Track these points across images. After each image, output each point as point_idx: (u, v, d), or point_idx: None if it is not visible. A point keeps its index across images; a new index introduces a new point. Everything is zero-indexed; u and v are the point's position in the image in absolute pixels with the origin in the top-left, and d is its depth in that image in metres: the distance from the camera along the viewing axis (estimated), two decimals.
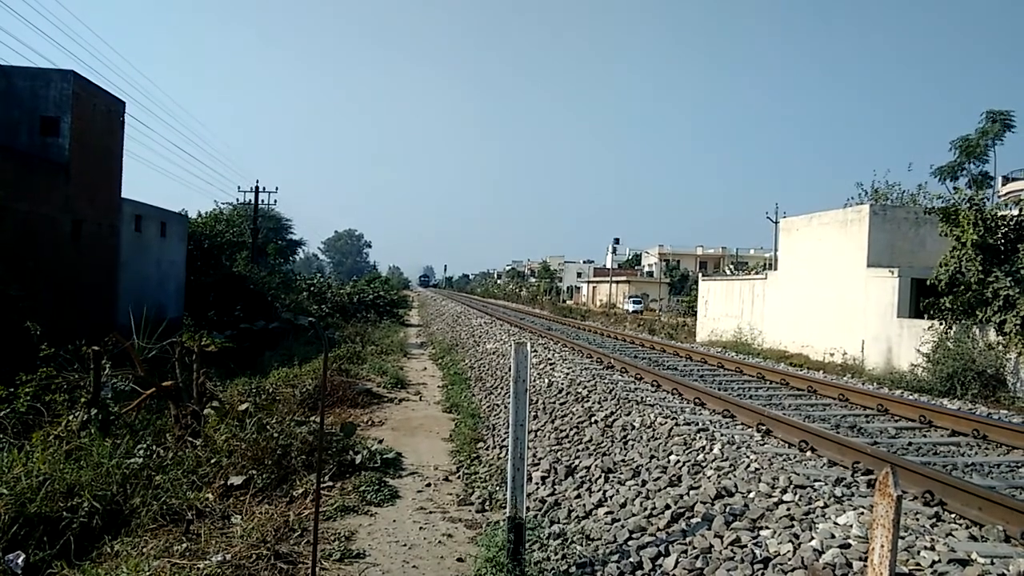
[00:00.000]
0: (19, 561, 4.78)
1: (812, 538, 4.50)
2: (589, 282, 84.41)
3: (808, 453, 7.04)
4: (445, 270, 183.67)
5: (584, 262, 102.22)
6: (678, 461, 6.59)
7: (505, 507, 5.21)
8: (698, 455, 6.64)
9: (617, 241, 74.80)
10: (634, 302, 58.92)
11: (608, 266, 78.42)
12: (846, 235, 18.60)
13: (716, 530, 5.02)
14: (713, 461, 6.37)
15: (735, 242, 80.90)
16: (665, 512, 5.55)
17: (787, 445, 7.40)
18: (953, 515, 5.29)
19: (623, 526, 5.53)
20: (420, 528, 6.21)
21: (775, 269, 23.60)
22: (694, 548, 4.88)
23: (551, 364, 13.11)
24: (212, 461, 6.78)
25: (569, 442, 8.31)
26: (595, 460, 7.30)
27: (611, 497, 6.27)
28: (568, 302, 75.36)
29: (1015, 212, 14.26)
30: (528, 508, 5.79)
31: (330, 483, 7.16)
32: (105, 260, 16.77)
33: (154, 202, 20.39)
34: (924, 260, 16.61)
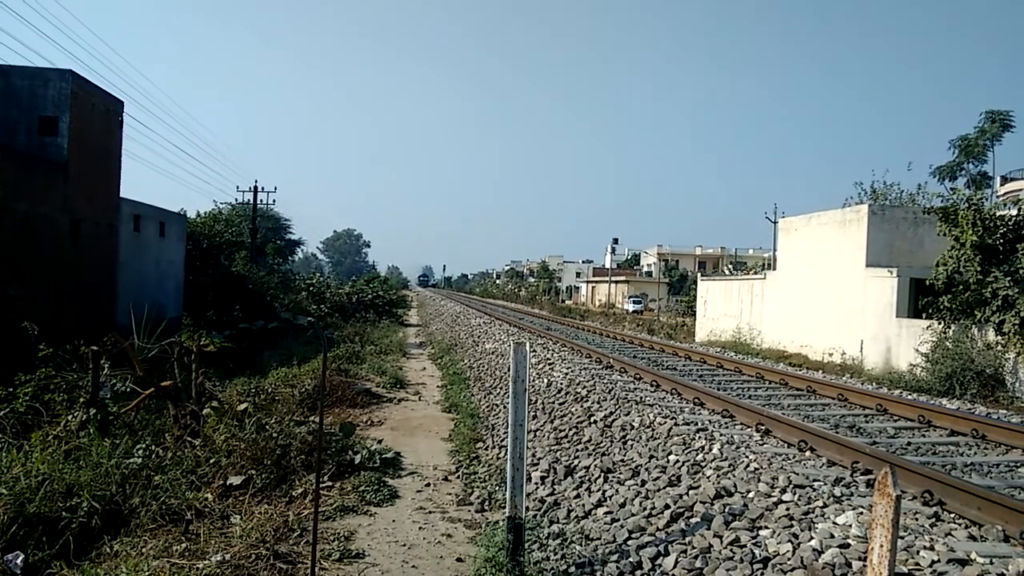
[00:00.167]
0: (18, 561, 4.77)
1: (811, 538, 4.50)
2: (588, 282, 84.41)
3: (807, 453, 7.05)
4: (444, 270, 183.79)
5: (583, 262, 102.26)
6: (677, 461, 6.59)
7: (504, 507, 5.21)
8: (697, 455, 6.64)
9: (616, 241, 74.81)
10: (634, 302, 58.79)
11: (607, 266, 78.44)
12: (845, 235, 18.61)
13: (715, 530, 5.02)
14: (712, 461, 6.37)
15: (734, 242, 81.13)
16: (664, 512, 5.55)
17: (786, 445, 7.40)
18: (952, 515, 5.30)
19: (622, 526, 5.53)
20: (419, 528, 6.21)
21: (774, 269, 23.61)
22: (693, 548, 4.88)
23: (550, 364, 13.11)
24: (211, 461, 6.77)
25: (568, 442, 8.31)
26: (594, 460, 7.30)
27: (610, 497, 6.27)
28: (567, 302, 75.37)
29: (1013, 212, 14.26)
30: (527, 508, 5.79)
31: (329, 483, 7.16)
32: (104, 260, 16.74)
33: (153, 202, 20.37)
34: (923, 260, 16.62)
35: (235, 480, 6.50)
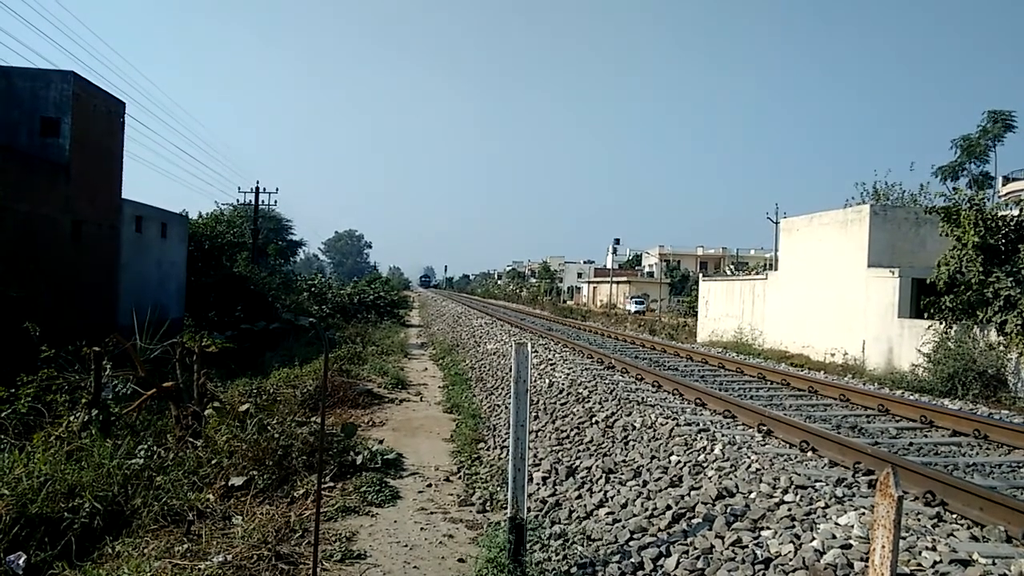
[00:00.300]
0: (20, 562, 4.78)
1: (813, 538, 4.50)
2: (589, 282, 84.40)
3: (809, 453, 7.04)
4: (445, 270, 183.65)
5: (584, 262, 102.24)
6: (679, 461, 6.59)
7: (506, 508, 5.21)
8: (699, 455, 6.64)
9: (617, 241, 74.87)
10: (636, 302, 58.62)
11: (608, 266, 78.44)
12: (846, 235, 18.59)
13: (717, 530, 5.02)
14: (714, 461, 6.37)
15: (735, 242, 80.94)
16: (666, 512, 5.54)
17: (788, 445, 7.39)
18: (954, 515, 5.29)
19: (624, 526, 5.53)
20: (421, 529, 6.21)
21: (775, 269, 23.60)
22: (695, 548, 4.88)
23: (552, 364, 13.10)
24: (213, 462, 6.78)
25: (570, 442, 8.30)
26: (596, 460, 7.29)
27: (612, 497, 6.27)
28: (568, 303, 75.36)
29: (1015, 212, 14.24)
30: (529, 509, 5.79)
31: (331, 484, 7.16)
32: (105, 261, 16.77)
33: (155, 203, 20.42)
34: (925, 260, 16.60)
35: (237, 481, 6.51)
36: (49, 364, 7.73)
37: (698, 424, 7.79)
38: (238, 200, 41.48)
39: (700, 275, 41.03)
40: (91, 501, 5.46)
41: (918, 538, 4.50)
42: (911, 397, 11.53)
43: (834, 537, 4.48)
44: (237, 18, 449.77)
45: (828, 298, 18.90)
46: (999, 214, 14.28)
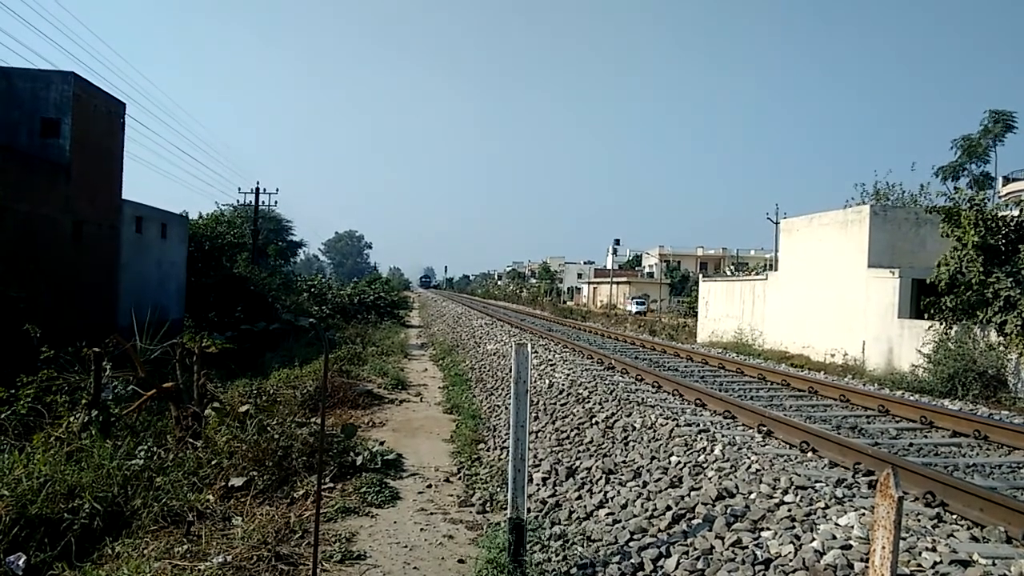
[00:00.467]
0: (20, 563, 4.78)
1: (813, 539, 4.50)
2: (590, 283, 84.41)
3: (809, 454, 7.04)
4: (446, 271, 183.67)
5: (584, 263, 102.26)
6: (679, 462, 6.59)
7: (506, 508, 5.21)
8: (699, 456, 6.64)
9: (617, 242, 74.89)
10: (637, 303, 58.53)
11: (608, 267, 78.44)
12: (846, 236, 18.60)
13: (717, 531, 5.02)
14: (714, 462, 6.37)
15: (735, 243, 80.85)
16: (666, 513, 5.54)
17: (788, 446, 7.39)
18: (954, 516, 5.29)
19: (624, 527, 5.52)
20: (421, 529, 6.21)
21: (776, 270, 23.60)
22: (695, 549, 4.88)
23: (552, 365, 13.10)
24: (213, 463, 6.78)
25: (570, 443, 8.30)
26: (596, 461, 7.29)
27: (612, 498, 6.26)
28: (569, 303, 75.37)
29: (1016, 212, 14.24)
30: (529, 509, 5.79)
31: (331, 484, 7.16)
32: (106, 261, 16.77)
33: (155, 203, 20.42)
34: (925, 260, 16.60)
35: (237, 482, 6.51)
36: (49, 365, 7.73)
37: (698, 425, 7.79)
38: (238, 200, 41.55)
39: (700, 275, 41.02)
40: (91, 502, 5.46)
41: (918, 539, 4.49)
42: (911, 398, 11.53)
43: (834, 538, 4.47)
44: (237, 18, 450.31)
45: (828, 298, 18.90)
46: (999, 214, 14.28)
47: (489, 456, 8.77)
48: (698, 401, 9.63)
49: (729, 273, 51.21)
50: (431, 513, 6.68)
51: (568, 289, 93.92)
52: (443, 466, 8.43)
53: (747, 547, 4.68)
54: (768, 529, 4.88)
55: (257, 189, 40.46)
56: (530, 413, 6.30)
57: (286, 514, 6.04)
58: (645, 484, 6.31)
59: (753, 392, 11.63)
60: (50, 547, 5.01)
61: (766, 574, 4.32)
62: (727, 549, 4.74)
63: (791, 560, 4.34)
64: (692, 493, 5.82)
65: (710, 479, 6.00)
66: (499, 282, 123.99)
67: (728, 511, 5.25)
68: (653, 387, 11.06)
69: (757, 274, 29.30)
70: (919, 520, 5.07)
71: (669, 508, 5.62)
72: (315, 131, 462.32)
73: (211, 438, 7.21)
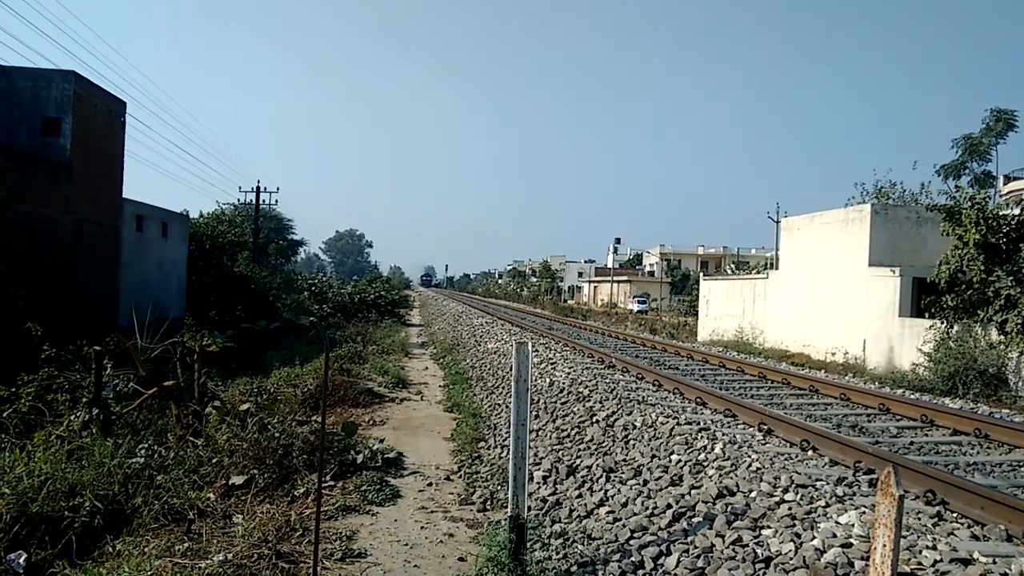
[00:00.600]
0: (21, 561, 4.78)
1: (814, 537, 4.50)
2: (590, 282, 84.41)
3: (810, 452, 7.03)
4: (446, 270, 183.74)
5: (585, 262, 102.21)
6: (679, 460, 6.59)
7: (506, 506, 5.21)
8: (700, 454, 6.64)
9: (618, 241, 74.84)
10: (639, 302, 58.45)
11: (609, 266, 78.42)
12: (847, 234, 18.59)
13: (718, 529, 5.02)
14: (715, 460, 6.37)
15: (736, 241, 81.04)
16: (667, 511, 5.54)
17: (789, 444, 7.39)
18: (955, 514, 5.29)
19: (625, 525, 5.53)
20: (422, 527, 6.21)
21: (776, 268, 23.59)
22: (696, 547, 4.88)
23: (552, 364, 13.11)
24: (214, 461, 6.78)
25: (571, 441, 8.30)
26: (596, 459, 7.30)
27: (612, 496, 6.27)
28: (569, 302, 75.33)
29: (1017, 211, 14.23)
30: (530, 507, 5.79)
31: (331, 483, 7.16)
32: (106, 260, 16.79)
33: (156, 202, 20.43)
34: (925, 259, 16.59)
35: (237, 480, 6.51)
36: (50, 363, 7.74)
37: (699, 423, 7.79)
38: (239, 199, 41.62)
39: (701, 274, 41.02)
40: (91, 500, 5.46)
41: (919, 537, 4.50)
42: (912, 396, 11.52)
43: (835, 536, 4.47)
44: (238, 18, 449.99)
45: (829, 297, 18.89)
46: (1000, 213, 14.27)
47: (490, 454, 8.77)
48: (699, 399, 9.63)
49: (730, 272, 51.20)
50: (432, 511, 6.68)
51: (569, 288, 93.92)
52: (444, 464, 8.44)
53: (748, 545, 4.68)
54: (769, 527, 4.88)
55: (258, 188, 40.50)
56: (531, 411, 6.30)
57: (287, 512, 6.04)
58: (646, 482, 6.31)
59: (754, 391, 11.63)
60: (51, 545, 5.02)
61: (767, 572, 4.32)
62: (728, 547, 4.74)
63: (792, 558, 4.34)
64: (693, 491, 5.82)
65: (711, 477, 6.00)
66: (500, 281, 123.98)
67: (729, 509, 5.26)
68: (654, 385, 11.06)
69: (758, 273, 29.30)
70: (920, 518, 5.07)
71: (670, 506, 5.62)
72: (316, 130, 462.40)
73: (212, 436, 7.21)
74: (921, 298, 15.66)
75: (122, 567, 4.65)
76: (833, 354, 18.02)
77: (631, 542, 5.24)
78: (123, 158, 17.67)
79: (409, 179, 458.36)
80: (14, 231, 13.18)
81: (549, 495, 6.80)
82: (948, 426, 8.76)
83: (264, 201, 41.04)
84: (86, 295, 15.53)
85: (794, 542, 4.52)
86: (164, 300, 19.44)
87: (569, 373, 11.73)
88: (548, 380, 11.47)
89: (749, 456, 6.34)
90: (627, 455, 7.21)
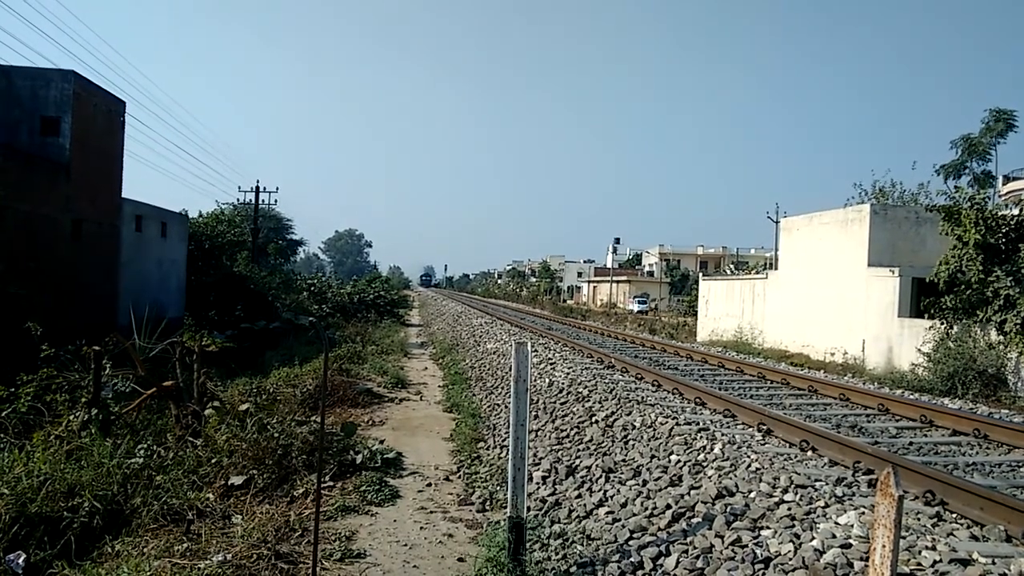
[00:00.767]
0: (20, 561, 4.78)
1: (813, 538, 4.50)
2: (590, 282, 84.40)
3: (809, 453, 7.03)
4: (446, 270, 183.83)
5: (584, 262, 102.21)
6: (679, 461, 6.59)
7: (506, 507, 5.21)
8: (699, 455, 6.64)
9: (617, 241, 74.85)
10: (639, 302, 58.41)
11: (609, 266, 78.42)
12: (847, 234, 18.60)
13: (717, 530, 5.02)
14: (714, 461, 6.37)
15: (736, 242, 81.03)
16: (666, 512, 5.54)
17: (788, 445, 7.39)
18: (954, 515, 5.29)
19: (624, 526, 5.52)
20: (421, 528, 6.21)
21: (776, 269, 23.59)
22: (695, 548, 4.88)
23: (552, 364, 13.10)
24: (213, 461, 6.78)
25: (570, 442, 8.30)
26: (596, 460, 7.29)
27: (612, 497, 6.27)
28: (568, 302, 75.31)
29: (1016, 212, 14.23)
30: (529, 508, 5.79)
31: (331, 483, 7.16)
32: (106, 260, 16.77)
33: (155, 202, 20.42)
34: (925, 259, 16.60)
35: (236, 480, 6.51)
36: (49, 363, 7.74)
37: (698, 423, 7.79)
38: (238, 199, 41.57)
39: (700, 274, 41.03)
40: (91, 500, 5.46)
41: (918, 537, 4.50)
42: (911, 396, 11.53)
43: (834, 536, 4.47)
44: (238, 17, 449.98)
45: (828, 297, 18.90)
46: (999, 213, 14.28)
47: (489, 455, 8.77)
48: (698, 400, 9.63)
49: (729, 272, 51.20)
50: (431, 512, 6.68)
51: (568, 288, 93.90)
52: (443, 465, 8.44)
53: (747, 546, 4.68)
54: (768, 528, 4.88)
55: (257, 188, 40.46)
56: (530, 412, 6.30)
57: (286, 512, 6.04)
58: (645, 483, 6.31)
59: (753, 391, 11.63)
60: (50, 545, 5.01)
61: (766, 573, 4.32)
62: (727, 548, 4.74)
63: (791, 559, 4.34)
64: (692, 492, 5.82)
65: (710, 478, 6.00)
66: (499, 281, 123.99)
67: (728, 510, 5.26)
68: (653, 386, 11.06)
69: (757, 273, 29.30)
70: (919, 519, 5.07)
71: (669, 507, 5.62)
72: (315, 130, 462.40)
73: (211, 436, 7.21)
74: (920, 298, 15.67)
75: (121, 567, 4.65)
76: (832, 354, 18.03)
77: (630, 542, 5.24)
78: (122, 158, 17.66)
79: (409, 179, 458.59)
80: (14, 230, 13.17)
81: (548, 495, 6.80)
82: (947, 426, 8.76)
83: (263, 201, 41.02)
84: (85, 295, 15.52)
85: (793, 543, 4.52)
86: (163, 300, 19.43)
87: (568, 373, 11.73)
88: (547, 380, 11.47)
89: (748, 456, 6.34)
90: (626, 455, 7.21)
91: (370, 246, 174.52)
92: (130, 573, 4.54)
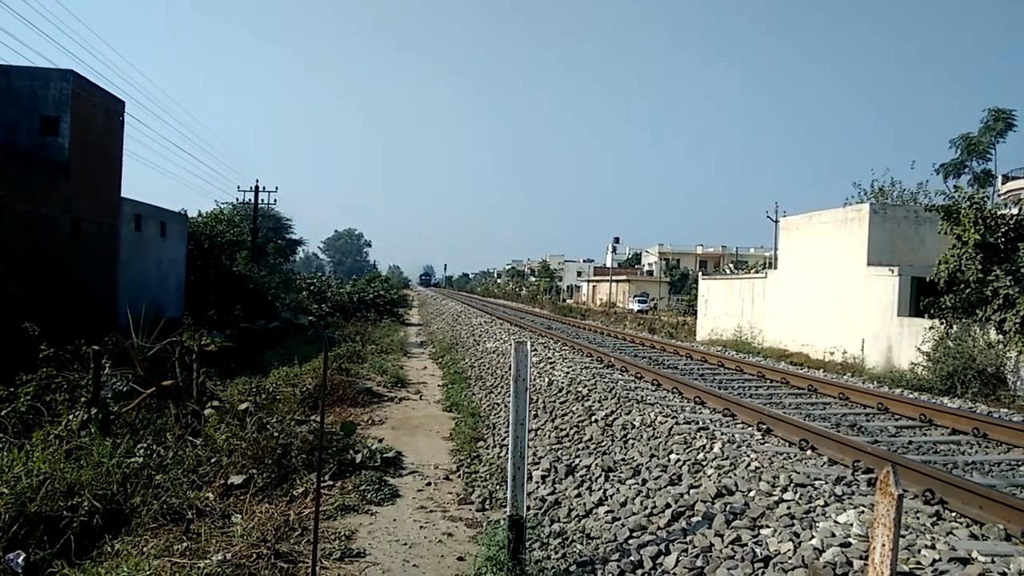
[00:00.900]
0: (19, 560, 4.78)
1: (812, 537, 4.50)
2: (589, 281, 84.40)
3: (808, 452, 7.04)
4: (445, 269, 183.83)
5: (584, 261, 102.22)
6: (678, 460, 6.59)
7: (505, 506, 5.21)
8: (698, 454, 6.64)
9: (617, 240, 74.83)
10: (639, 301, 58.41)
11: (608, 265, 78.42)
12: (846, 234, 18.60)
13: (716, 529, 5.02)
14: (713, 460, 6.37)
15: (735, 241, 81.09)
16: (665, 511, 5.54)
17: (787, 444, 7.40)
18: (954, 513, 5.29)
19: (623, 525, 5.53)
20: (420, 527, 6.21)
21: (775, 268, 23.60)
22: (694, 547, 4.88)
23: (551, 363, 13.10)
24: (212, 460, 6.78)
25: (569, 441, 8.30)
26: (595, 459, 7.29)
27: (611, 496, 6.27)
28: (568, 301, 75.30)
29: (1015, 211, 14.24)
30: (528, 507, 5.79)
31: (330, 482, 7.16)
32: (105, 260, 16.76)
33: (154, 202, 20.40)
34: (924, 258, 16.61)
35: (236, 479, 6.51)
36: (48, 363, 7.73)
37: (697, 422, 7.79)
38: (237, 199, 41.49)
39: (700, 274, 41.03)
40: (90, 500, 5.46)
41: (917, 536, 4.50)
42: (910, 395, 11.53)
43: (833, 535, 4.48)
44: (236, 16, 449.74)
45: (827, 297, 18.91)
46: (999, 213, 14.29)
47: (488, 454, 8.77)
48: (697, 399, 9.63)
49: (728, 271, 51.22)
50: (430, 511, 6.68)
51: (568, 287, 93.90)
52: (442, 464, 8.44)
53: (746, 545, 4.68)
54: (767, 527, 4.88)
55: (256, 187, 40.43)
56: (529, 411, 6.30)
57: (285, 512, 6.04)
58: (644, 482, 6.31)
59: (752, 390, 11.63)
60: (49, 545, 5.01)
61: (765, 572, 4.32)
62: (726, 547, 4.74)
63: (790, 558, 4.34)
64: (691, 491, 5.82)
65: (709, 477, 6.00)
66: (499, 280, 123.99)
67: (727, 509, 5.26)
68: (652, 385, 11.06)
69: (756, 272, 29.30)
70: (918, 518, 5.07)
71: (668, 506, 5.62)
72: (314, 129, 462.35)
73: (211, 436, 7.21)
74: (920, 298, 15.67)
75: (121, 567, 4.65)
76: (832, 353, 18.03)
77: (630, 541, 5.24)
78: (121, 157, 17.64)
79: (408, 178, 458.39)
80: (13, 230, 13.16)
81: (548, 494, 6.80)
82: (947, 425, 8.77)
83: (263, 200, 40.98)
84: (85, 294, 15.51)
85: (793, 541, 4.52)
86: (163, 299, 19.42)
87: (568, 372, 11.73)
88: (547, 379, 11.47)
89: (748, 455, 6.34)
90: (626, 454, 7.21)
91: (369, 245, 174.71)
92: (130, 572, 4.54)
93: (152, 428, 7.62)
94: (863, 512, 4.80)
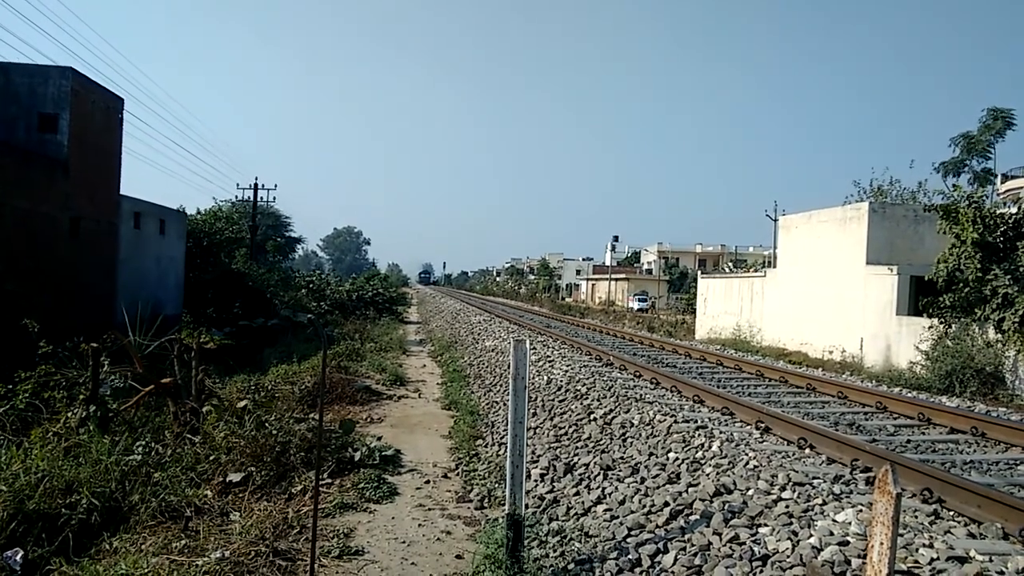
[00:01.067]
0: (17, 558, 4.77)
1: (811, 535, 4.50)
2: (588, 279, 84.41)
3: (807, 450, 7.05)
4: (444, 267, 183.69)
5: (583, 260, 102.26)
6: (677, 458, 6.60)
7: (504, 504, 5.21)
8: (697, 452, 6.64)
9: (616, 239, 75.05)
10: (639, 299, 58.38)
11: (607, 264, 78.45)
12: (845, 233, 18.61)
13: (715, 527, 5.02)
14: (712, 458, 6.37)
15: (734, 240, 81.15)
16: (664, 509, 5.55)
17: (786, 442, 7.40)
18: (952, 512, 5.30)
19: (622, 523, 5.53)
20: (419, 525, 6.21)
21: (774, 267, 23.61)
22: (693, 545, 4.89)
23: (550, 361, 13.10)
24: (211, 458, 6.77)
25: (568, 439, 8.31)
26: (594, 457, 7.30)
27: (610, 494, 6.27)
28: (567, 300, 75.29)
29: (1014, 210, 14.25)
30: (527, 505, 5.79)
31: (329, 480, 7.16)
32: (104, 257, 16.74)
33: (153, 199, 20.38)
34: (923, 257, 16.61)
35: (235, 477, 6.51)
36: (47, 360, 7.72)
37: (696, 421, 7.80)
38: (237, 197, 41.49)
39: (699, 272, 41.05)
40: (88, 497, 5.45)
41: (915, 535, 4.50)
42: (909, 394, 11.55)
43: (832, 534, 4.48)
44: (236, 16, 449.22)
45: (826, 296, 18.92)
46: (998, 212, 14.29)
47: (487, 452, 8.77)
48: (696, 398, 9.64)
49: (728, 270, 51.23)
50: (429, 509, 6.68)
51: (567, 286, 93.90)
52: (441, 462, 8.44)
53: (744, 543, 4.68)
54: (766, 525, 4.88)
55: (255, 185, 40.41)
56: (528, 409, 6.30)
57: (284, 509, 6.04)
58: (643, 480, 6.32)
59: (751, 389, 11.64)
60: (48, 542, 5.01)
61: (763, 570, 4.33)
62: (724, 545, 4.74)
63: (789, 556, 4.35)
64: (690, 489, 5.82)
65: (708, 475, 6.00)
66: (498, 278, 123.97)
67: (726, 507, 5.26)
68: (651, 383, 11.07)
69: (756, 271, 29.32)
70: (916, 516, 5.08)
71: (667, 504, 5.62)
72: (314, 128, 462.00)
73: (209, 434, 7.20)
74: (919, 297, 15.69)
75: (119, 564, 4.65)
76: (831, 352, 18.05)
77: (628, 540, 5.24)
78: (121, 154, 17.61)
79: (407, 177, 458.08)
80: (12, 228, 13.14)
81: (547, 493, 6.80)
82: (945, 424, 8.78)
83: (262, 198, 40.96)
84: (84, 292, 15.49)
85: (791, 540, 4.52)
86: (162, 297, 19.40)
87: (567, 371, 11.73)
88: (546, 378, 11.47)
89: (746, 454, 6.35)
90: (624, 453, 7.21)
91: (369, 244, 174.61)
92: (128, 570, 4.54)
93: (151, 426, 7.61)
94: (861, 511, 4.81)
